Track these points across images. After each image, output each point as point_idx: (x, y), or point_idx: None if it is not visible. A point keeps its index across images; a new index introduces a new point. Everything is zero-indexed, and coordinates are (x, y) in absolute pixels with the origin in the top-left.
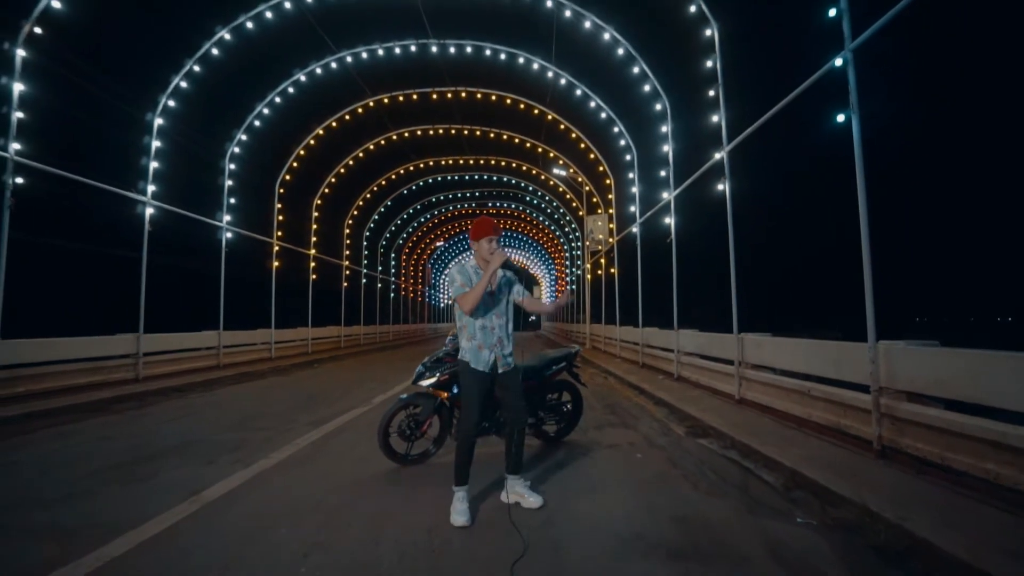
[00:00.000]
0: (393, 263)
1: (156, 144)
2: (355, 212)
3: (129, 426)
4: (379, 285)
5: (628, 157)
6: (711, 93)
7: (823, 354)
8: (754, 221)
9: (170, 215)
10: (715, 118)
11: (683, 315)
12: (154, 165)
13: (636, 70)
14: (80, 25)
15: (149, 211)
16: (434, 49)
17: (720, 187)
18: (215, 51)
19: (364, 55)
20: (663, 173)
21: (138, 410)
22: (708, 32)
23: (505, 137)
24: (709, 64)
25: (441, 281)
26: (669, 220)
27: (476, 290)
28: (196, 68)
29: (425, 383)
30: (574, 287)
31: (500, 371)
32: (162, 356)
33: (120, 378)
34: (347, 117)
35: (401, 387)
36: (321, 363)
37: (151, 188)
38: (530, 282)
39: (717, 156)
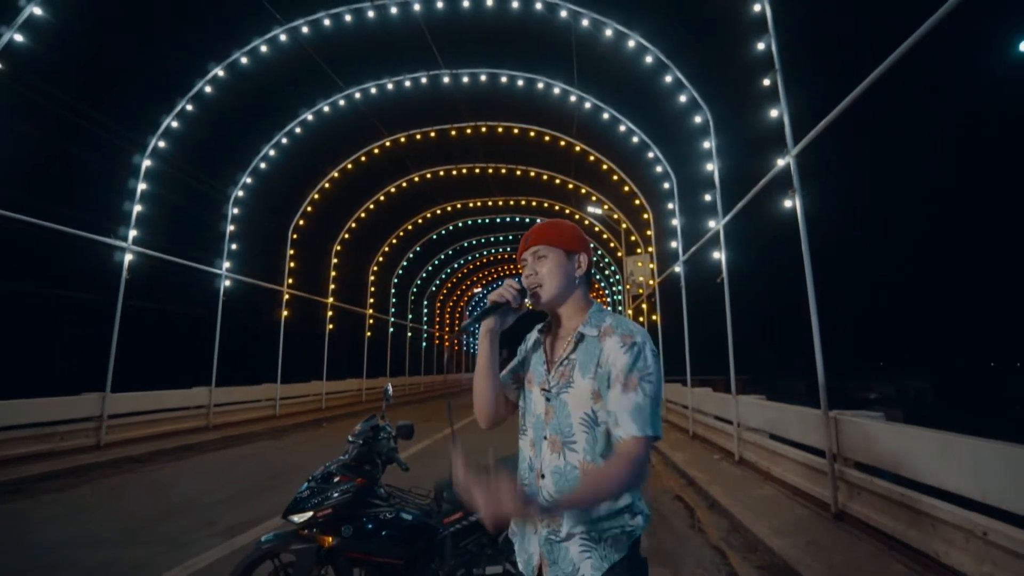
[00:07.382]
0: (426, 311)
1: (142, 187)
2: (380, 258)
3: None
4: (409, 334)
5: (667, 185)
6: (766, 82)
7: None
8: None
9: (159, 262)
10: (774, 113)
11: (740, 371)
12: (138, 209)
13: (669, 79)
14: (61, 58)
15: (129, 257)
16: (446, 80)
17: (788, 204)
18: (209, 89)
19: (373, 91)
20: (708, 198)
21: (57, 493)
22: (756, 7)
23: (532, 174)
24: (761, 46)
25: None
26: (718, 255)
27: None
28: (189, 107)
29: (299, 518)
30: None
31: None
32: (134, 418)
33: (75, 445)
34: (363, 159)
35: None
36: (332, 421)
37: (132, 233)
38: None
39: (780, 163)
